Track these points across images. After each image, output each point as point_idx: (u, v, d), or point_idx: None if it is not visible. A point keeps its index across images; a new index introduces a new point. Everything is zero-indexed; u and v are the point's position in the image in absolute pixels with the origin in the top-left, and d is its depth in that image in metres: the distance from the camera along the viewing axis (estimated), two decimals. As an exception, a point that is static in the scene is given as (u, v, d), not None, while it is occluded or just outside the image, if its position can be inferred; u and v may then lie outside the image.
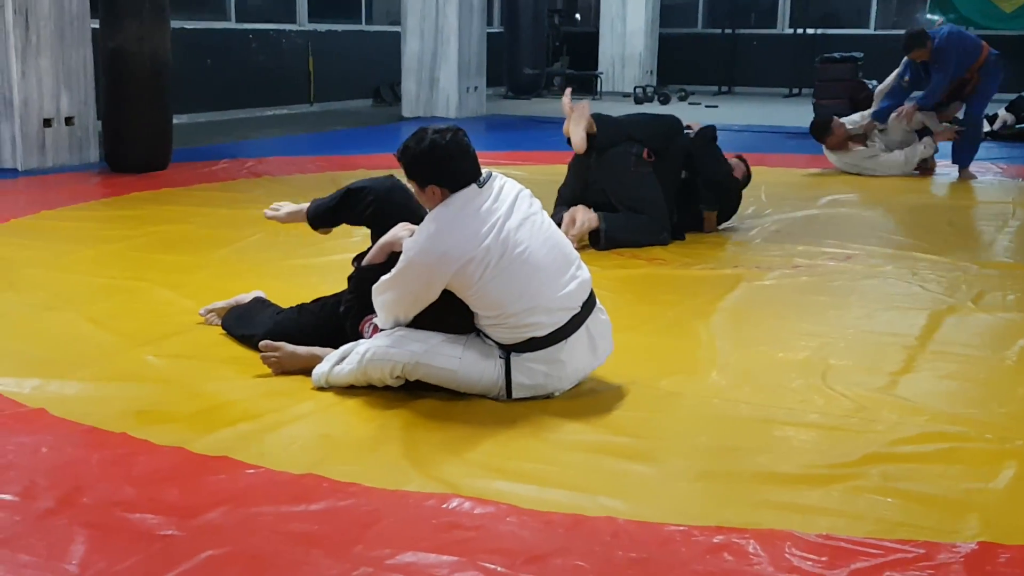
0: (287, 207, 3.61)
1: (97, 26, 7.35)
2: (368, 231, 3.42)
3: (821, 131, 7.95)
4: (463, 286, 2.87)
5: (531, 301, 2.88)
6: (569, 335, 2.96)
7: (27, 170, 7.27)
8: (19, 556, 2.09)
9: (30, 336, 3.57)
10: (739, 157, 5.78)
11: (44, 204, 6.05)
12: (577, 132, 4.98)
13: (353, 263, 3.28)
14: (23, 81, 7.22)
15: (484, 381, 2.96)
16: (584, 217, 5.00)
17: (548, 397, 3.00)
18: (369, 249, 3.23)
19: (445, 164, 2.89)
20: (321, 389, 3.04)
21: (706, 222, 5.47)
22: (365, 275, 3.15)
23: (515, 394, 2.96)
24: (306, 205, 3.55)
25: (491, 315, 2.91)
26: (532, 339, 2.92)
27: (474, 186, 2.91)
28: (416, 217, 3.20)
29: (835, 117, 8.13)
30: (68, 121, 7.58)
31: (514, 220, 2.91)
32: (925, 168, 7.83)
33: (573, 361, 3.00)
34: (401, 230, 3.12)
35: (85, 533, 2.18)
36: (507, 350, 2.95)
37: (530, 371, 2.95)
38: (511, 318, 2.89)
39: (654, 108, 13.18)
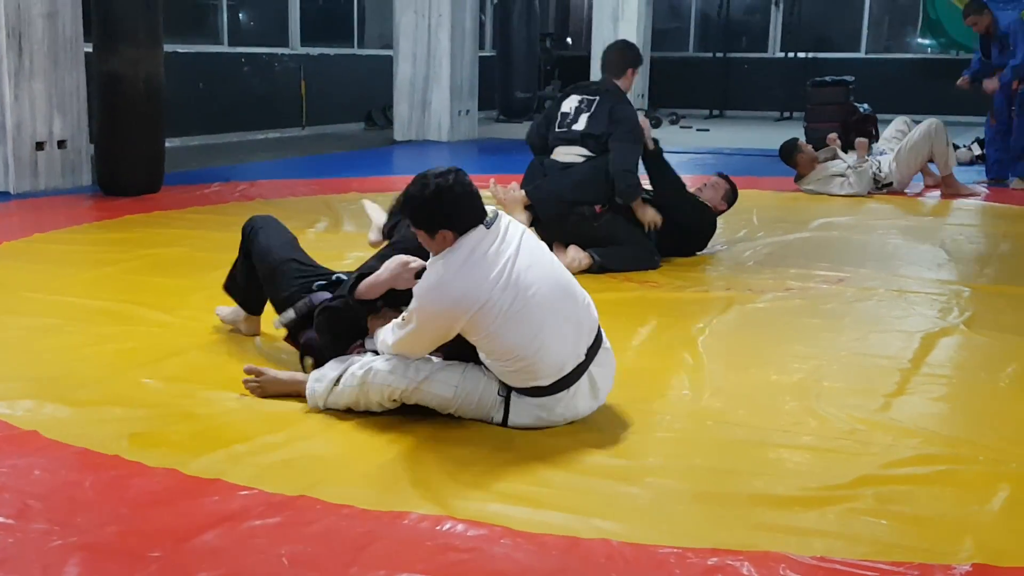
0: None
1: (91, 50, 7.37)
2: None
3: (788, 154, 8.15)
4: (474, 331, 2.83)
5: (540, 350, 2.83)
6: (571, 384, 2.93)
7: (20, 193, 7.27)
8: (12, 579, 2.08)
9: (23, 359, 3.56)
10: (720, 175, 5.78)
11: (37, 227, 6.04)
12: (519, 218, 4.94)
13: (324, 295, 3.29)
14: (16, 104, 7.22)
15: (480, 409, 2.95)
16: (575, 255, 5.03)
17: None
18: (354, 276, 3.18)
19: (454, 208, 2.81)
20: (316, 410, 3.04)
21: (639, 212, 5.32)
22: (343, 311, 3.12)
23: (511, 426, 2.94)
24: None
25: (500, 361, 2.88)
26: (536, 388, 2.90)
27: (482, 227, 2.84)
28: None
29: (798, 140, 8.37)
30: (61, 144, 7.58)
31: (523, 261, 2.85)
32: (956, 191, 7.99)
33: (573, 408, 2.97)
34: (402, 269, 3.06)
35: (79, 555, 2.17)
36: (507, 388, 2.93)
37: (529, 412, 2.93)
38: (520, 362, 2.85)
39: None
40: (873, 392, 3.32)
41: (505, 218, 2.93)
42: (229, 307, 3.87)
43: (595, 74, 16.78)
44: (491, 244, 2.83)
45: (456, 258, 2.81)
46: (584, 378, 2.95)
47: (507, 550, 2.26)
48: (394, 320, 2.98)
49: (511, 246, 2.86)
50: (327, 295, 3.29)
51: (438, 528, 2.35)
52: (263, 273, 3.54)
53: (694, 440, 2.94)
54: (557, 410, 2.93)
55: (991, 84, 8.50)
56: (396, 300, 3.13)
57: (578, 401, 2.96)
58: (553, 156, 5.33)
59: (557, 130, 5.36)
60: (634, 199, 5.21)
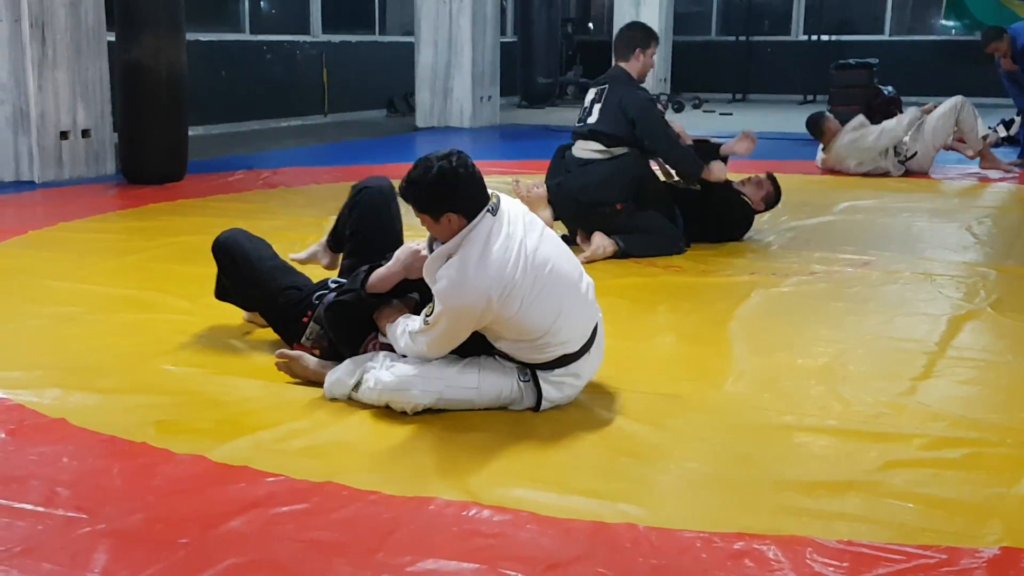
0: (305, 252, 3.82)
1: (113, 39, 7.40)
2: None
3: (814, 124, 8.25)
4: (501, 318, 2.82)
5: (565, 319, 2.88)
6: (591, 346, 2.99)
7: (44, 183, 7.32)
8: (42, 565, 2.10)
9: (50, 347, 3.59)
10: (769, 176, 5.69)
11: (62, 216, 6.08)
12: (543, 215, 4.91)
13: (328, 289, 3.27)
14: (40, 94, 7.27)
15: (502, 401, 2.96)
16: (600, 243, 5.01)
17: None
18: (364, 271, 3.14)
19: (458, 190, 2.78)
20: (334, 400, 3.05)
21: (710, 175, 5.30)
22: (355, 306, 3.09)
23: (544, 407, 2.95)
24: (318, 243, 3.80)
25: (525, 339, 2.88)
26: (563, 356, 2.93)
27: (488, 215, 2.81)
28: (386, 220, 3.39)
29: (826, 112, 8.48)
30: (85, 134, 7.63)
31: (532, 239, 2.86)
32: (995, 164, 8.06)
33: (593, 366, 3.05)
34: (413, 258, 3.03)
35: (107, 542, 2.19)
36: (532, 368, 2.94)
37: (559, 385, 2.96)
38: (547, 337, 2.87)
39: (668, 116, 13.14)
40: (899, 376, 3.30)
41: (504, 198, 2.91)
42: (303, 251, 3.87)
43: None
44: (500, 230, 2.81)
45: (472, 253, 2.78)
46: (598, 338, 3.03)
47: (532, 535, 2.26)
48: (414, 322, 2.94)
49: (517, 227, 2.85)
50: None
51: (464, 514, 2.35)
52: (251, 282, 3.47)
53: (719, 425, 2.93)
54: (584, 371, 3.00)
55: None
56: (406, 291, 3.11)
57: (594, 358, 3.04)
58: (573, 150, 5.32)
59: (577, 124, 5.37)
60: (699, 175, 5.20)
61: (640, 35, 5.28)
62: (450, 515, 2.35)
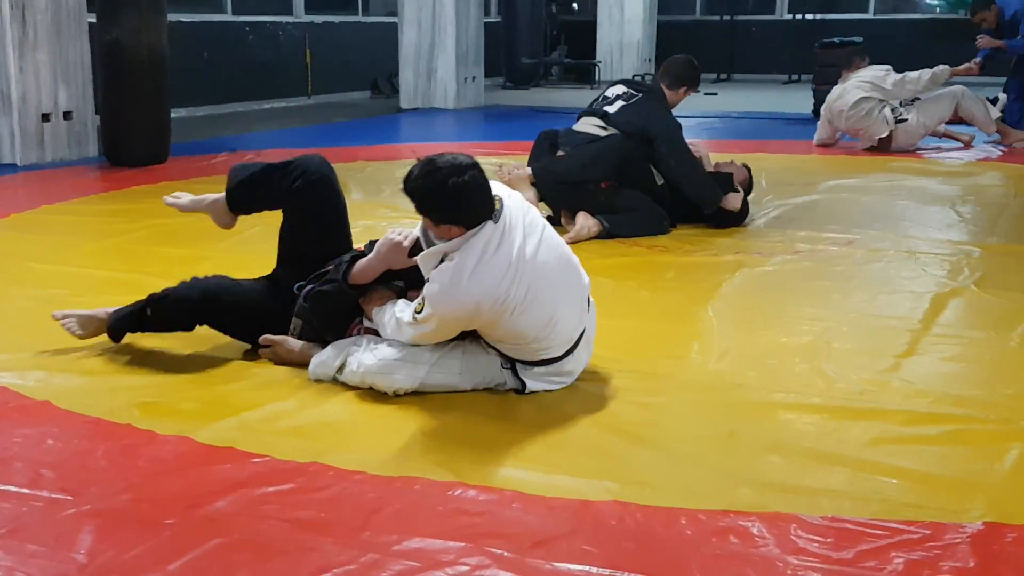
0: (188, 196, 3.53)
1: (94, 20, 7.34)
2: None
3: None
4: (489, 325, 2.82)
5: (554, 327, 2.87)
6: (576, 347, 2.98)
7: (26, 165, 7.27)
8: (27, 546, 2.09)
9: (33, 329, 3.57)
10: (744, 165, 5.74)
11: (44, 199, 6.05)
12: (527, 195, 4.89)
13: (306, 286, 3.18)
14: (21, 76, 7.21)
15: (486, 384, 2.97)
16: (584, 223, 5.02)
17: None
18: (347, 260, 3.10)
19: (463, 205, 2.72)
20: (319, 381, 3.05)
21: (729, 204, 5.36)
22: (335, 296, 3.06)
23: (528, 391, 2.96)
24: (211, 196, 3.46)
25: (509, 342, 2.88)
26: (545, 359, 2.93)
27: (490, 223, 2.76)
28: (334, 206, 3.29)
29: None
30: (66, 116, 7.57)
31: (530, 245, 2.80)
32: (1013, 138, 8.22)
33: (578, 362, 3.04)
34: (395, 251, 2.98)
35: (93, 523, 2.19)
36: (513, 362, 2.94)
37: (539, 377, 2.96)
38: (534, 343, 2.87)
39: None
40: (883, 353, 3.32)
41: (506, 201, 2.83)
42: (187, 198, 3.54)
43: (601, 40, 16.75)
44: (500, 237, 2.76)
45: (468, 260, 2.73)
46: (583, 339, 3.01)
47: (518, 514, 2.27)
48: (403, 312, 2.92)
49: (517, 231, 2.80)
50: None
51: (449, 493, 2.35)
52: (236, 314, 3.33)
53: (704, 402, 2.95)
54: (566, 368, 2.99)
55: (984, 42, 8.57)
56: (390, 278, 3.09)
57: (581, 355, 3.03)
58: (574, 125, 5.35)
59: (587, 107, 5.46)
60: (717, 203, 5.27)
61: (693, 74, 5.53)
62: (435, 494, 2.35)
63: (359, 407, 2.87)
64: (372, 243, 3.12)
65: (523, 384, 2.94)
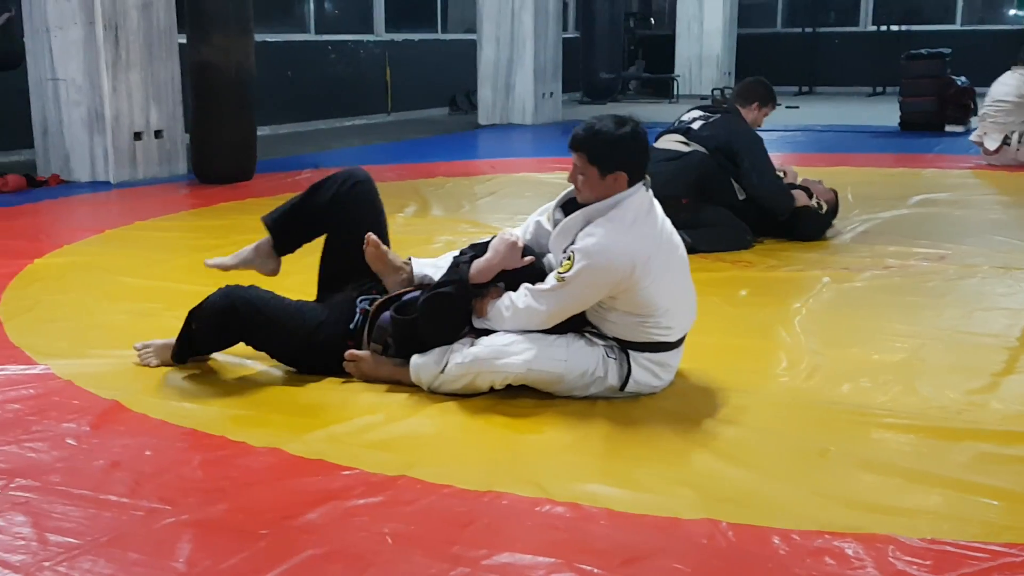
0: (225, 257, 3.53)
1: (184, 40, 7.53)
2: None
3: None
4: (632, 286, 2.87)
5: (680, 305, 2.99)
6: (683, 343, 3.06)
7: (119, 182, 7.48)
8: (128, 554, 2.14)
9: (129, 343, 3.65)
10: (832, 189, 5.66)
11: (136, 215, 6.21)
12: None
13: (395, 310, 3.13)
14: (114, 96, 7.43)
15: (587, 380, 2.96)
16: None
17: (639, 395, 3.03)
18: (458, 261, 3.09)
19: (637, 153, 2.92)
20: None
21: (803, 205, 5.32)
22: (456, 297, 3.00)
23: (629, 388, 2.98)
24: (251, 245, 3.48)
25: (636, 314, 2.92)
26: (661, 343, 2.97)
27: (643, 187, 2.94)
28: (377, 212, 3.30)
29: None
30: (157, 134, 7.78)
31: (669, 223, 3.01)
32: None
33: (675, 364, 3.08)
34: (511, 249, 3.01)
35: (191, 532, 2.23)
36: (625, 347, 2.96)
37: (647, 369, 2.98)
38: (658, 318, 2.93)
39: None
40: (979, 371, 3.23)
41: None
42: (228, 256, 3.53)
43: (680, 54, 16.67)
44: (648, 204, 2.95)
45: (625, 218, 2.88)
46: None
47: (607, 530, 2.25)
48: (531, 288, 2.95)
49: (657, 207, 2.99)
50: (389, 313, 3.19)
51: (537, 509, 2.35)
52: (270, 334, 3.21)
53: (794, 419, 2.90)
54: (671, 364, 3.05)
55: None
56: (494, 281, 3.10)
57: (681, 355, 3.10)
58: (657, 143, 5.36)
59: (665, 129, 5.51)
60: (792, 207, 5.25)
61: (764, 92, 5.54)
62: (523, 510, 2.35)
63: (445, 421, 2.89)
64: (465, 250, 3.14)
65: (627, 375, 2.95)
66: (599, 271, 2.84)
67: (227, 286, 3.21)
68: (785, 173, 5.44)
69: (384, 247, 3.27)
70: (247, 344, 3.27)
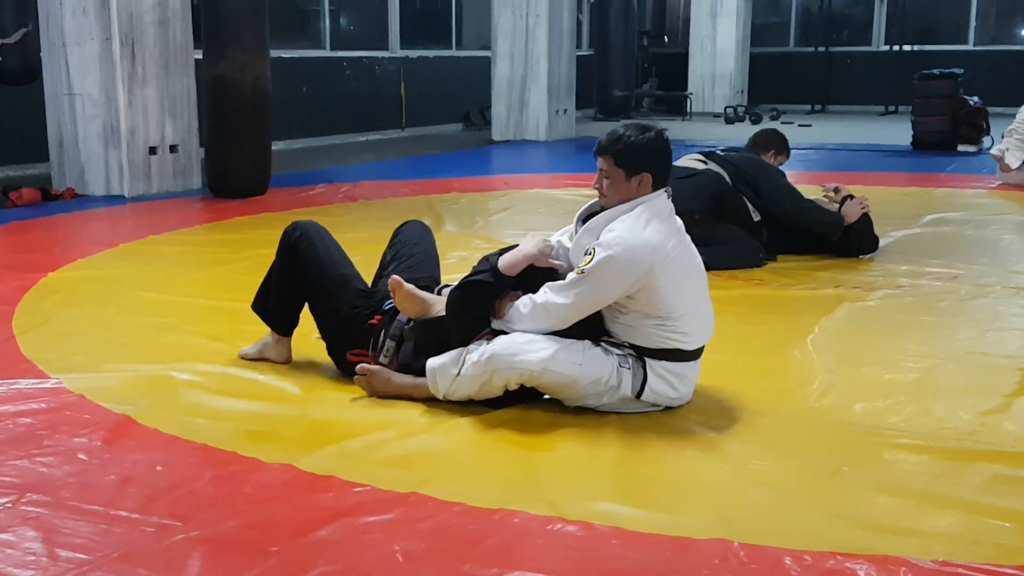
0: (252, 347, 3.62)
1: (200, 56, 7.58)
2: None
3: None
4: (652, 282, 2.90)
5: (697, 311, 3.02)
6: (700, 356, 3.07)
7: (134, 197, 7.52)
8: (139, 571, 2.14)
9: (143, 357, 3.67)
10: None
11: (151, 229, 6.24)
12: None
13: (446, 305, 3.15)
14: (129, 110, 7.47)
15: (600, 387, 2.96)
16: None
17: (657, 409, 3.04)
18: (487, 255, 3.12)
19: (662, 157, 3.03)
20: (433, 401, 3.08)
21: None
22: (489, 286, 3.02)
23: (645, 397, 2.99)
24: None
25: (654, 316, 2.94)
26: (677, 350, 2.99)
27: (664, 195, 3.04)
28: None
29: None
30: (172, 149, 7.82)
31: (686, 236, 3.08)
32: None
33: (693, 382, 3.09)
34: (543, 245, 3.08)
35: (201, 549, 2.23)
36: (642, 355, 2.97)
37: (663, 378, 2.99)
38: (674, 321, 2.95)
39: (745, 128, 13.04)
40: (992, 392, 3.22)
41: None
42: (252, 345, 3.62)
43: (693, 72, 16.71)
44: (668, 212, 3.04)
45: (644, 216, 2.96)
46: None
47: (619, 549, 2.25)
48: (551, 284, 2.98)
49: (675, 217, 3.07)
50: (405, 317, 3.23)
51: (549, 528, 2.35)
52: (314, 286, 3.37)
53: (807, 439, 2.89)
54: (689, 377, 3.06)
55: None
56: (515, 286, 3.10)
57: (697, 371, 3.11)
58: (676, 162, 5.39)
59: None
60: (842, 225, 5.27)
61: (779, 141, 5.68)
62: (535, 528, 2.35)
63: (457, 437, 2.89)
64: (486, 258, 3.14)
65: (643, 383, 2.96)
66: (619, 262, 2.87)
67: (308, 221, 3.51)
68: (838, 189, 5.43)
69: (408, 286, 3.19)
70: (288, 267, 3.39)
